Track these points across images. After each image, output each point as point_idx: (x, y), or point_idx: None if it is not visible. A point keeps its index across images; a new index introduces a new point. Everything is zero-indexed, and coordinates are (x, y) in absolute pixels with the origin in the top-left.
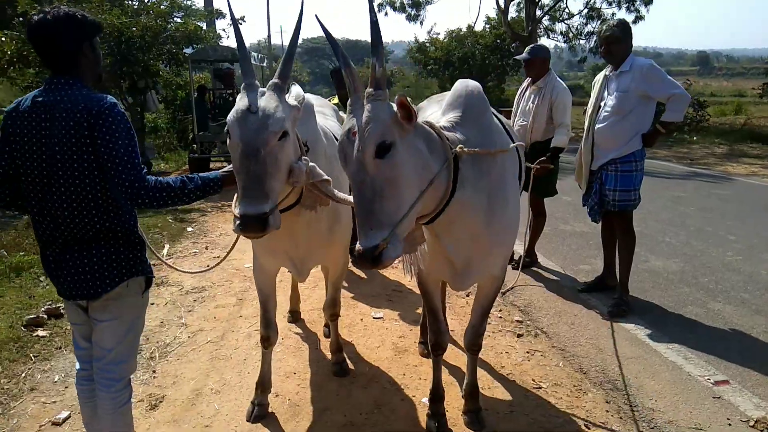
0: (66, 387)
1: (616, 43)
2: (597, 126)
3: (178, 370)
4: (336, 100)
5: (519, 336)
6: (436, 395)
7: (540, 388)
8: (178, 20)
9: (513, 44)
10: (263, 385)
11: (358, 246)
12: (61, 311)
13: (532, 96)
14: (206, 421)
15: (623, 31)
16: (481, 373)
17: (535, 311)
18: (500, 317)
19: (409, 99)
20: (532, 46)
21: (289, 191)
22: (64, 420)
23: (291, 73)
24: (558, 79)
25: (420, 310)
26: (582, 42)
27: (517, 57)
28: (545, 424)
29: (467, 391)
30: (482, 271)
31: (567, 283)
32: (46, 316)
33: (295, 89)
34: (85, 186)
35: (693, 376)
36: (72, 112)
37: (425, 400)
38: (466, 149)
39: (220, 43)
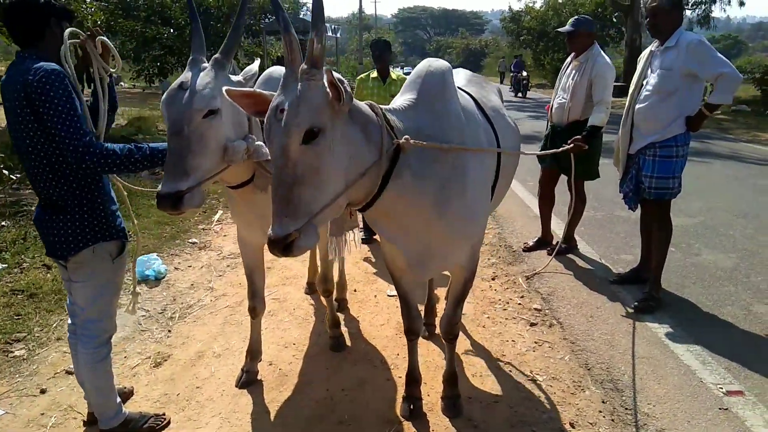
0: None
1: (662, 15)
2: (637, 106)
3: (191, 331)
4: (375, 74)
5: (532, 325)
6: (411, 378)
7: (535, 380)
8: None
9: (614, 14)
10: (252, 353)
11: (269, 232)
12: None
13: (573, 72)
14: (199, 382)
15: (672, 1)
16: (477, 360)
17: (557, 300)
18: (519, 304)
19: (338, 76)
20: (576, 18)
21: (223, 167)
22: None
23: (235, 47)
24: (602, 53)
25: (437, 291)
26: (688, 13)
27: (560, 30)
28: (527, 418)
29: (445, 378)
30: (443, 262)
31: (601, 273)
32: None
33: (253, 66)
34: (39, 152)
35: (705, 382)
36: (16, 83)
37: None
38: (412, 141)
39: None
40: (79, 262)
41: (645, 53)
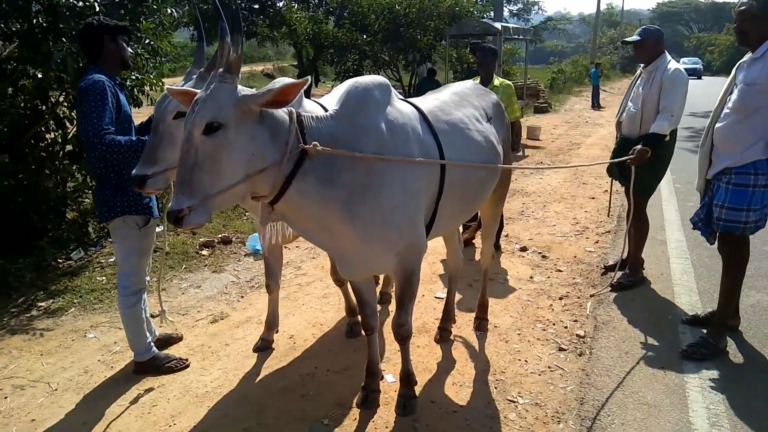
0: (183, 293)
1: (751, 21)
2: (716, 125)
3: (257, 299)
4: (478, 80)
5: (561, 350)
6: (369, 371)
7: (514, 402)
8: None
9: None
10: (269, 324)
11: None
12: (232, 239)
13: (642, 82)
14: (230, 341)
15: (763, 6)
16: (469, 370)
17: (608, 330)
18: (565, 327)
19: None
20: (643, 27)
21: None
22: (158, 315)
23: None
24: (672, 61)
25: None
26: None
27: (627, 40)
28: None
29: (400, 377)
30: (367, 266)
31: (681, 310)
32: (215, 241)
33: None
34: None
35: None
36: (78, 89)
37: (390, 377)
38: (320, 147)
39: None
40: (114, 228)
41: (737, 66)
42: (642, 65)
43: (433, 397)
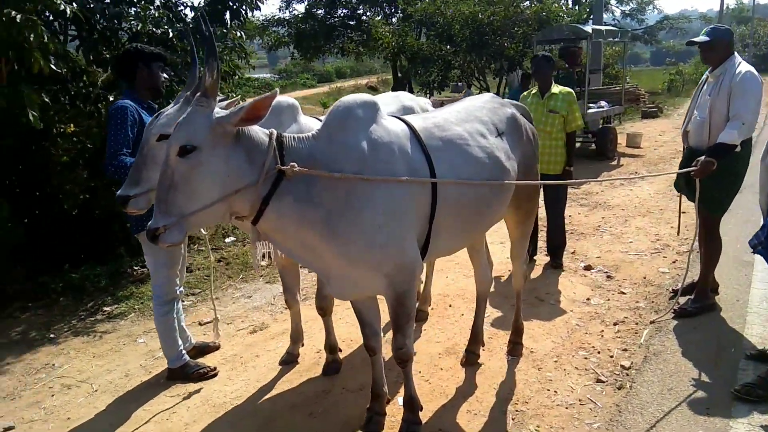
0: (233, 303)
1: None
2: None
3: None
4: (535, 89)
5: (599, 381)
6: (374, 393)
7: None
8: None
9: None
10: (293, 338)
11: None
12: None
13: (709, 87)
14: (262, 352)
15: None
16: (489, 398)
17: (658, 362)
18: (611, 356)
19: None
20: (712, 27)
21: None
22: (206, 323)
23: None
24: (743, 63)
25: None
26: None
27: (694, 40)
28: None
29: (404, 401)
30: (355, 286)
31: (747, 344)
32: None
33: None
34: None
35: None
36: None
37: (401, 399)
38: (297, 168)
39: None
40: (143, 241)
41: None
42: (709, 69)
43: (442, 424)
